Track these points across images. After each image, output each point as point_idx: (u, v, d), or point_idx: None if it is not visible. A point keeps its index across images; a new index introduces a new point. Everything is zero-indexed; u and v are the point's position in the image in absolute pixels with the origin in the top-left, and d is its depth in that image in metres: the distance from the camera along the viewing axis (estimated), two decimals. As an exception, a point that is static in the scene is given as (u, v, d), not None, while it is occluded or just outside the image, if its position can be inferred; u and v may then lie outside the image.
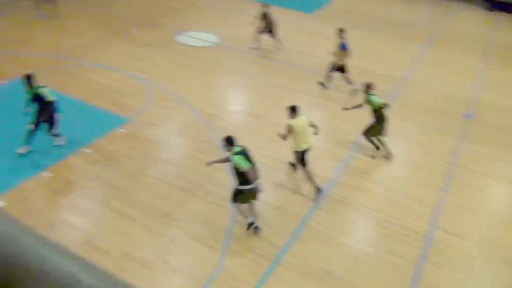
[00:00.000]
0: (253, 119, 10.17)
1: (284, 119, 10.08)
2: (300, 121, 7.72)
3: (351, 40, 15.00)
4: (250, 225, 6.98)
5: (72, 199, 7.48)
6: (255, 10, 17.26)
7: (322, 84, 11.70)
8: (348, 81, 11.37)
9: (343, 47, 10.97)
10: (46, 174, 7.95)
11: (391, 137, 9.86)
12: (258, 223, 7.05)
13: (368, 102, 8.77)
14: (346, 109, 9.45)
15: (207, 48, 13.66)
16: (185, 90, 11.09)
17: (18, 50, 12.41)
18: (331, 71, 11.37)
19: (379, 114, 8.77)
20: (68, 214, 7.14)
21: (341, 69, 11.25)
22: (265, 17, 13.03)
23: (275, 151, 8.97)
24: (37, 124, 8.19)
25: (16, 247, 1.07)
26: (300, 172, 8.24)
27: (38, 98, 8.05)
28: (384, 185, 8.38)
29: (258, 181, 6.67)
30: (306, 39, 14.91)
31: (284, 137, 7.72)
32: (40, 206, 7.26)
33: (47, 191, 7.58)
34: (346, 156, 9.11)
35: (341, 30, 11.11)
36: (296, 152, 7.86)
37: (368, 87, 8.87)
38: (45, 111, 8.12)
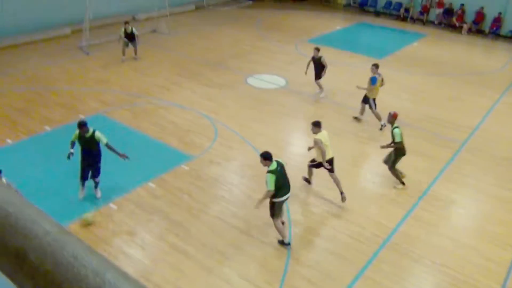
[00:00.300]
0: (315, 162, 10.04)
1: (349, 165, 9.93)
2: (324, 135, 8.39)
3: (421, 86, 14.69)
4: (282, 243, 7.36)
5: (133, 232, 7.72)
6: (325, 54, 17.48)
7: (356, 118, 11.96)
8: (377, 117, 11.48)
9: (372, 82, 11.19)
10: (112, 206, 8.31)
11: (463, 187, 9.30)
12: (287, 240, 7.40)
13: (392, 134, 8.86)
14: (383, 147, 9.29)
15: (274, 90, 13.91)
16: (250, 130, 11.28)
17: (98, 88, 13.41)
18: (367, 105, 11.61)
19: (401, 147, 8.87)
20: (128, 246, 7.35)
21: (371, 101, 11.45)
22: (319, 61, 12.86)
23: (336, 196, 8.75)
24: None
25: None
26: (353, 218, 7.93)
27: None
28: (452, 238, 7.81)
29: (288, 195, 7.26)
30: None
31: (317, 150, 8.42)
32: (103, 236, 7.56)
33: (111, 222, 7.89)
34: (411, 205, 8.66)
35: (375, 66, 11.39)
36: (324, 162, 8.27)
37: (393, 118, 8.93)
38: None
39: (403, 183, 9.12)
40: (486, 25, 21.42)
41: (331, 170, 8.46)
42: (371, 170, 9.98)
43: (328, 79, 14.87)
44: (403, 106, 13.07)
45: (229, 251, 7.29)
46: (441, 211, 8.55)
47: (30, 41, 17.06)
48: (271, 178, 6.89)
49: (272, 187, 6.89)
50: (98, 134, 8.02)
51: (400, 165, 9.99)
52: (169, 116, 11.83)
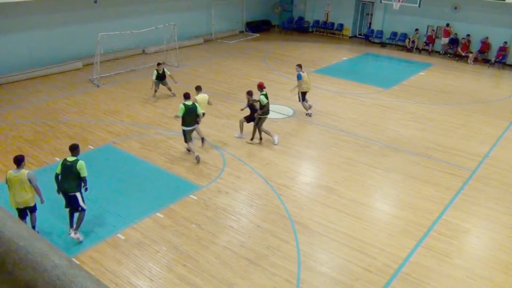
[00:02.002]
0: (324, 191, 10.00)
1: (360, 195, 9.88)
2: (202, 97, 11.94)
3: (429, 115, 14.72)
4: (190, 152, 11.19)
5: (140, 263, 7.66)
6: (331, 84, 17.64)
7: (307, 114, 14.24)
8: (305, 107, 14.20)
9: (298, 78, 13.81)
10: (120, 236, 8.28)
11: (474, 216, 9.16)
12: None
13: (260, 99, 11.64)
14: (258, 114, 11.87)
15: (282, 120, 13.99)
16: (258, 160, 11.30)
17: (108, 119, 13.58)
18: (300, 100, 14.17)
19: (265, 110, 11.80)
20: (135, 278, 7.28)
21: (303, 95, 14.08)
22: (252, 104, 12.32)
23: (346, 225, 8.67)
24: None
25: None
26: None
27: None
28: (465, 269, 7.64)
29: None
30: (379, 113, 14.78)
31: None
32: (110, 267, 7.50)
33: (119, 253, 7.85)
34: (422, 234, 8.53)
35: (299, 66, 13.97)
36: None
37: (259, 87, 12.09)
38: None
39: (261, 139, 12.13)
40: (492, 55, 21.57)
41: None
42: (381, 200, 9.90)
43: (335, 108, 15.00)
44: (411, 135, 13.07)
45: (238, 283, 7.19)
46: (453, 241, 8.40)
47: (42, 75, 17.46)
48: (181, 108, 10.70)
49: (180, 114, 10.71)
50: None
51: (409, 193, 9.91)
52: (177, 146, 11.91)
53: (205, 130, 12.98)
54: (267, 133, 12.17)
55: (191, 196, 9.66)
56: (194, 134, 11.46)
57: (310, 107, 14.31)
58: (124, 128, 12.99)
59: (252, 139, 12.19)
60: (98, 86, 16.53)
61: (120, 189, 9.84)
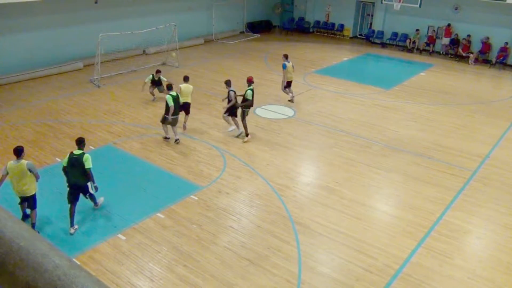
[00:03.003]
0: (324, 192, 10.00)
1: (361, 195, 9.87)
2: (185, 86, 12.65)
3: (430, 115, 14.71)
4: (166, 138, 12.20)
5: (141, 263, 7.66)
6: (331, 84, 17.64)
7: (290, 101, 15.20)
8: (290, 92, 15.17)
9: (283, 67, 14.76)
10: (121, 237, 8.28)
11: (475, 217, 9.16)
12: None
13: (245, 92, 12.13)
14: (240, 105, 12.32)
15: (282, 120, 14.00)
16: (259, 160, 11.30)
17: (108, 120, 13.59)
18: (282, 88, 15.12)
19: (249, 104, 12.31)
20: (136, 278, 7.28)
21: (289, 84, 15.05)
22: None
23: (346, 225, 8.67)
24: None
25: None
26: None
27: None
28: (466, 269, 7.64)
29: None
30: (380, 114, 14.78)
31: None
32: (111, 267, 7.50)
33: (120, 253, 7.85)
34: (423, 235, 8.53)
35: (285, 56, 14.95)
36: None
37: (248, 81, 12.41)
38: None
39: (247, 135, 12.30)
40: (493, 55, 21.56)
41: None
42: (382, 200, 9.90)
43: (336, 109, 15.00)
44: (412, 136, 13.07)
45: (239, 283, 7.19)
46: (453, 241, 8.39)
47: (43, 75, 17.47)
48: (169, 98, 11.55)
49: (170, 103, 11.51)
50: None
51: (410, 194, 9.90)
52: (178, 147, 11.91)
53: (205, 130, 12.99)
54: (232, 122, 12.56)
55: (192, 196, 9.66)
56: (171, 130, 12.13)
57: (292, 97, 15.22)
58: (125, 129, 13.00)
59: (247, 135, 12.37)
60: (98, 87, 16.54)
61: (121, 190, 9.84)
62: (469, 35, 21.91)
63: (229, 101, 12.25)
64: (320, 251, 8.05)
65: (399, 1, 21.02)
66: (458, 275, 7.52)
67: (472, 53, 21.74)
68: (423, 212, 9.27)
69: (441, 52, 23.25)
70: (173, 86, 12.20)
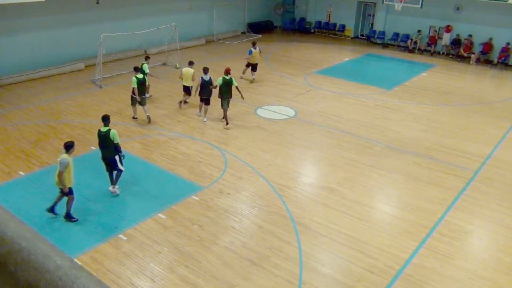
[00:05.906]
0: (326, 192, 10.00)
1: (362, 196, 9.87)
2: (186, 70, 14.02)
3: (431, 116, 14.70)
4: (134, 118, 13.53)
5: (142, 263, 7.67)
6: (333, 85, 17.65)
7: (250, 81, 17.40)
8: (252, 75, 17.51)
9: (249, 53, 17.13)
10: (122, 237, 8.29)
11: (477, 217, 9.16)
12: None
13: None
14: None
15: (283, 120, 14.00)
16: (260, 161, 11.30)
17: (112, 119, 13.56)
18: (246, 66, 17.48)
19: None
20: (137, 279, 7.29)
21: (253, 67, 17.50)
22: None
23: (348, 226, 8.66)
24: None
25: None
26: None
27: None
28: (467, 270, 7.63)
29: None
30: (381, 114, 14.78)
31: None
32: (112, 268, 7.51)
33: (121, 254, 7.86)
34: (424, 235, 8.52)
35: (253, 43, 17.43)
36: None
37: (226, 72, 13.02)
38: None
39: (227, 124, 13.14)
40: (494, 55, 21.53)
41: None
42: (383, 200, 9.89)
43: (337, 109, 15.00)
44: (413, 136, 13.06)
45: (240, 284, 7.19)
46: (455, 242, 8.38)
47: (45, 76, 17.50)
48: (134, 81, 12.80)
49: (134, 85, 12.84)
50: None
51: (411, 194, 9.90)
52: (179, 147, 11.92)
53: (206, 130, 12.99)
54: (203, 110, 13.66)
55: (193, 197, 9.66)
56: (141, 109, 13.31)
57: (254, 79, 17.49)
58: (127, 129, 13.01)
59: (227, 124, 13.23)
60: (100, 87, 16.55)
61: (122, 190, 9.84)
62: (470, 35, 21.89)
63: (202, 88, 13.28)
64: (321, 251, 8.05)
65: (401, 2, 21.00)
66: (459, 275, 7.51)
67: (473, 53, 21.71)
68: (424, 212, 9.27)
69: (440, 52, 23.22)
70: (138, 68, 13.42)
